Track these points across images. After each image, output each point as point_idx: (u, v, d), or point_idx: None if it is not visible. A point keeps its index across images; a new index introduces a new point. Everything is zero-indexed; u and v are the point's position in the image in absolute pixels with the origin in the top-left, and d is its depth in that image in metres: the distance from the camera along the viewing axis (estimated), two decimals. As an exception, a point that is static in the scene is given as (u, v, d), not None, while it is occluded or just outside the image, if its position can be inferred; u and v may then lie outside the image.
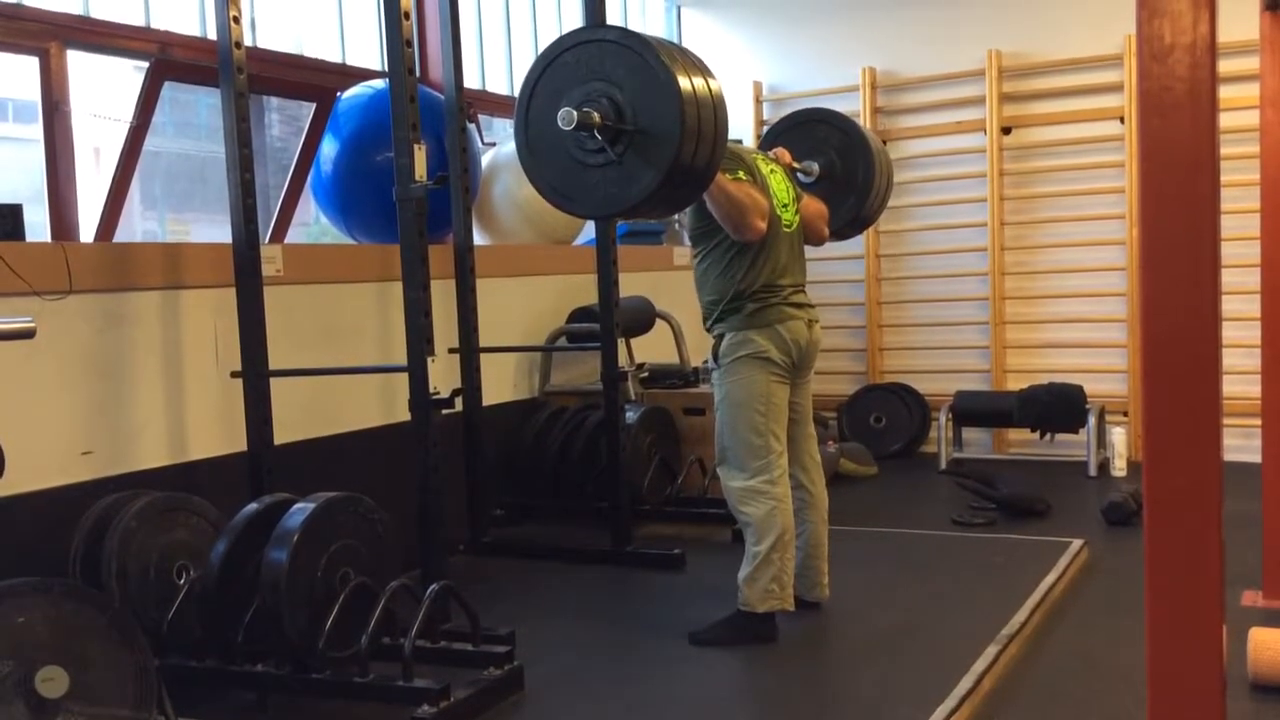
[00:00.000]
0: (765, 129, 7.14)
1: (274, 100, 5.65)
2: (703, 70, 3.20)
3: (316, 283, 4.43)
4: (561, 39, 3.29)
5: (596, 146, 3.14)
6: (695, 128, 3.09)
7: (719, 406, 3.78)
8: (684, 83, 3.08)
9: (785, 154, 4.08)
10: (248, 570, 3.15)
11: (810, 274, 4.01)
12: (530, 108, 3.26)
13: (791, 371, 3.77)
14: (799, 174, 4.19)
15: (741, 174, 3.64)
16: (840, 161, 4.35)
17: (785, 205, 3.84)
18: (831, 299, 6.95)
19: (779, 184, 3.86)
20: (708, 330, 3.84)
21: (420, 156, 3.49)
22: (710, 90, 3.18)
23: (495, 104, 6.32)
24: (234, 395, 3.88)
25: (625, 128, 3.09)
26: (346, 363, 4.43)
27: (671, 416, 5.51)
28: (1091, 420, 6.16)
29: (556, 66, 3.21)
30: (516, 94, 6.38)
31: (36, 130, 4.12)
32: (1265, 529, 3.86)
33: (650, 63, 3.07)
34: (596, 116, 3.08)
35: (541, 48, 6.72)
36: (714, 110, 3.17)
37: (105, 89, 4.61)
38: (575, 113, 3.07)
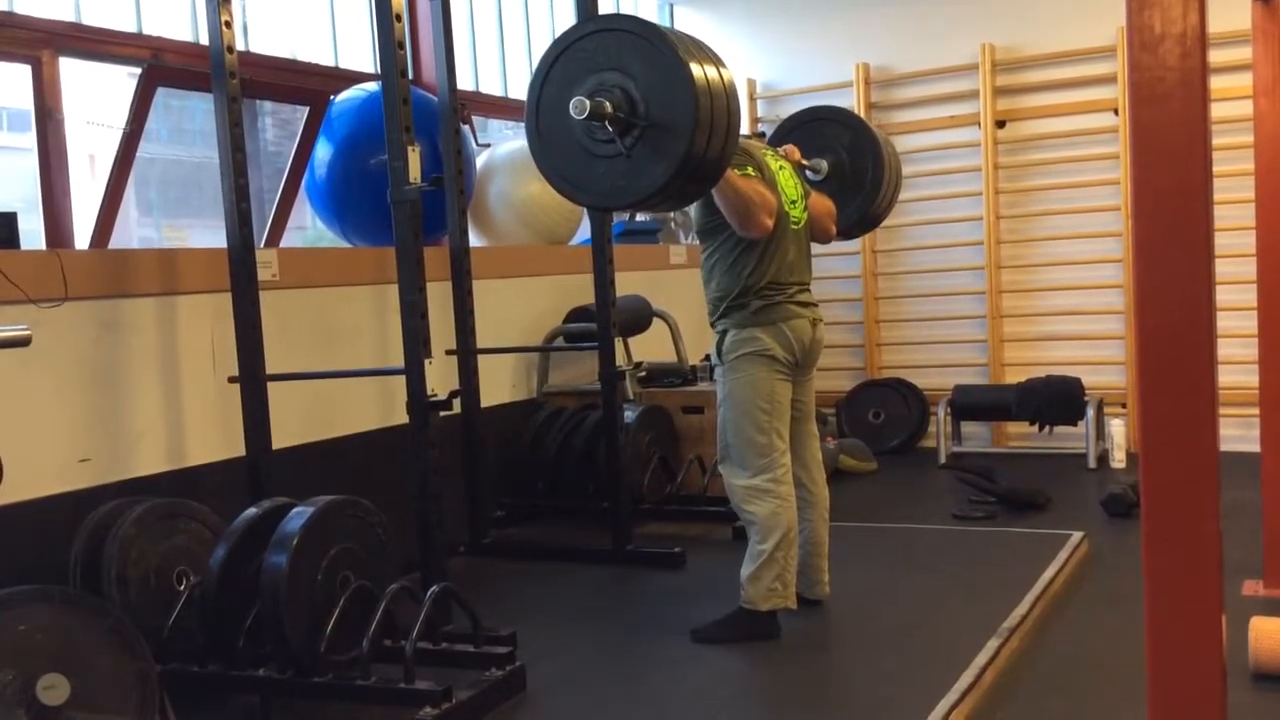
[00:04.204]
0: (760, 126, 7.18)
1: (267, 104, 5.65)
2: (716, 62, 3.17)
3: (312, 286, 4.43)
4: (578, 25, 3.27)
5: (607, 137, 3.10)
6: (708, 123, 3.06)
7: (722, 404, 3.77)
8: (699, 78, 3.04)
9: (795, 151, 4.07)
10: (248, 575, 3.14)
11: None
12: (543, 94, 3.21)
13: (794, 369, 3.77)
14: (808, 171, 4.18)
15: (750, 170, 3.63)
16: (849, 160, 4.34)
17: (793, 203, 3.83)
18: (828, 295, 6.92)
19: (787, 181, 3.85)
20: (712, 326, 3.84)
21: (414, 159, 3.48)
22: (724, 84, 3.14)
23: (489, 105, 6.31)
24: (231, 400, 3.88)
25: (637, 121, 3.06)
26: (344, 366, 4.43)
27: (670, 415, 5.51)
28: (1090, 412, 6.16)
29: (572, 53, 3.17)
30: (510, 94, 6.42)
31: (30, 138, 4.12)
32: (1265, 519, 3.86)
33: (667, 56, 3.03)
34: (609, 106, 3.05)
35: (535, 48, 6.75)
36: (726, 104, 3.13)
37: (98, 96, 4.61)
38: (588, 101, 3.03)
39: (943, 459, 6.48)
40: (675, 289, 6.16)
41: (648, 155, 3.09)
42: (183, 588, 3.36)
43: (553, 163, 3.26)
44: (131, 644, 2.84)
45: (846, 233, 4.40)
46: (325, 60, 5.32)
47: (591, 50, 3.14)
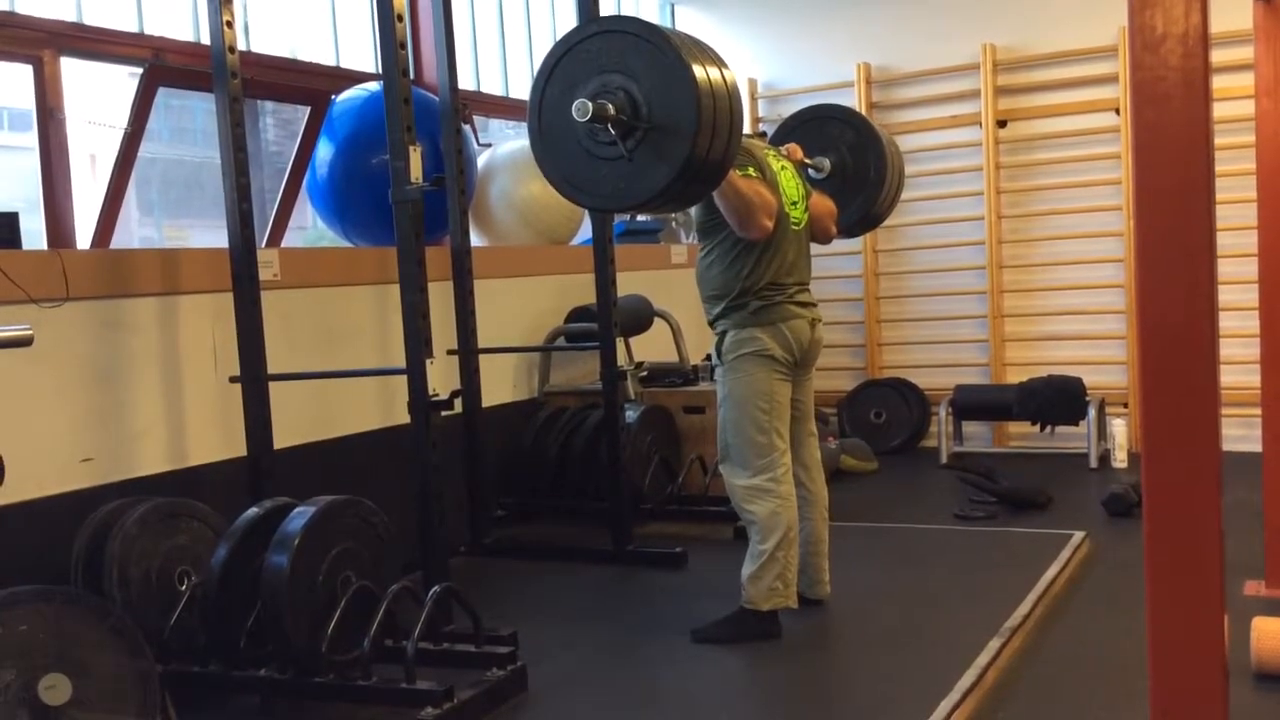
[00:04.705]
0: (761, 126, 7.18)
1: (269, 104, 5.65)
2: (719, 64, 3.15)
3: (314, 286, 4.43)
4: (581, 27, 3.26)
5: (609, 139, 3.09)
6: (710, 126, 3.04)
7: (722, 404, 3.77)
8: (702, 81, 3.02)
9: (797, 150, 4.06)
10: (249, 575, 3.14)
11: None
12: (545, 95, 3.20)
13: (793, 369, 3.77)
14: (810, 170, 4.17)
15: (752, 170, 3.62)
16: (851, 159, 4.33)
17: (794, 203, 3.83)
18: (829, 295, 6.93)
19: (789, 181, 3.85)
20: (711, 326, 3.83)
21: (416, 158, 3.48)
22: (727, 86, 3.12)
23: (490, 105, 6.32)
24: (233, 400, 3.88)
25: (639, 124, 3.05)
26: (345, 366, 4.43)
27: (671, 415, 5.51)
28: (1091, 412, 6.16)
29: (575, 54, 3.15)
30: (512, 94, 6.41)
31: (32, 138, 4.12)
32: (1266, 519, 3.86)
33: (670, 59, 3.02)
34: (611, 109, 3.03)
35: (536, 48, 6.74)
36: (729, 107, 3.12)
37: (100, 96, 4.62)
38: (590, 104, 3.01)
39: (944, 459, 6.48)
40: (676, 289, 6.15)
41: (649, 158, 3.08)
42: (184, 588, 3.36)
43: (554, 164, 3.25)
44: (133, 644, 2.84)
45: (848, 231, 4.39)
46: (326, 60, 5.32)
47: (595, 51, 3.12)
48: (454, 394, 3.74)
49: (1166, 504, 1.72)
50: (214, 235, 4.43)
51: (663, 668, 3.51)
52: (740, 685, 3.51)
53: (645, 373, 5.40)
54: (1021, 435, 6.79)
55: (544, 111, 3.21)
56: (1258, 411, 3.97)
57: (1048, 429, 6.32)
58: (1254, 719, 2.95)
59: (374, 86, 5.04)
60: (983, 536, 4.92)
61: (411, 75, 3.62)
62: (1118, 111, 6.44)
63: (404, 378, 3.60)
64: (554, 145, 3.22)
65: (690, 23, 7.47)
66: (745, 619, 3.69)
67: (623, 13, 7.12)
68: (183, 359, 3.93)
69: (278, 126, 6.05)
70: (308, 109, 5.20)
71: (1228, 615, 1.76)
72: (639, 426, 5.16)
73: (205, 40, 4.01)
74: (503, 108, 6.40)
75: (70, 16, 4.18)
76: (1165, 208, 1.66)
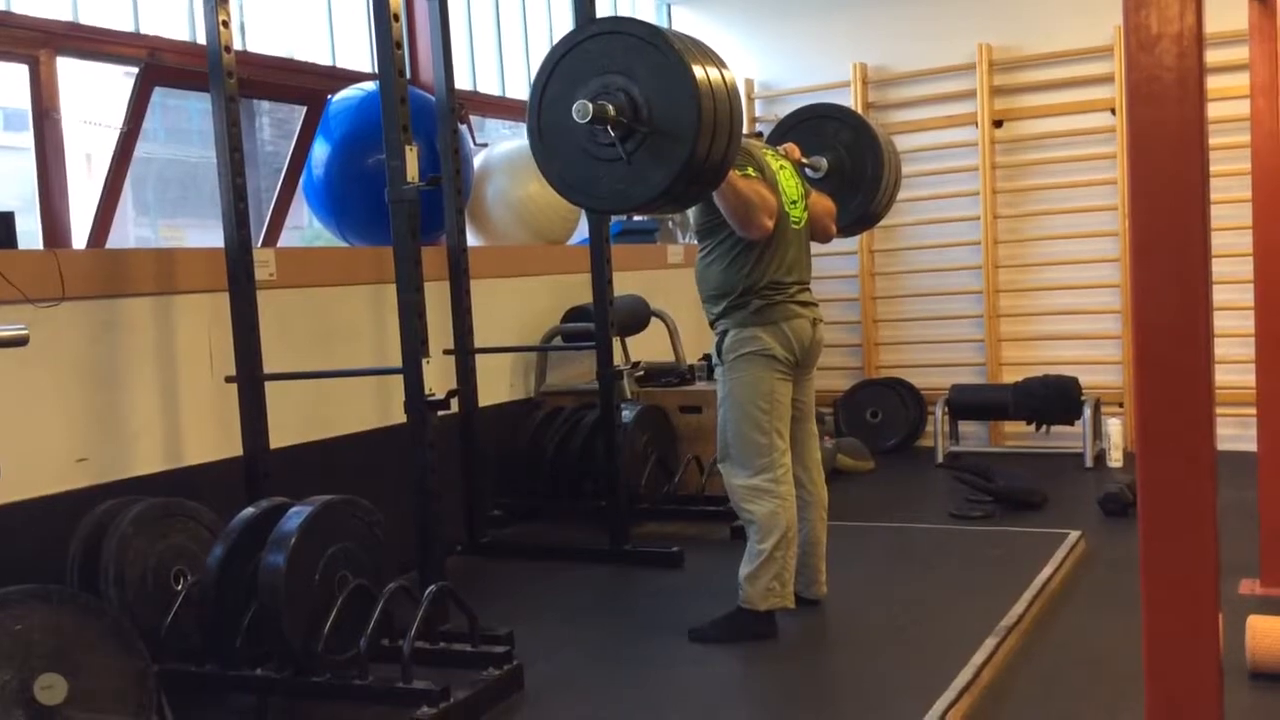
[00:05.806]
0: (757, 126, 7.18)
1: (265, 104, 5.65)
2: (719, 65, 3.14)
3: (310, 286, 4.43)
4: (582, 27, 3.25)
5: (609, 141, 3.08)
6: (710, 128, 3.03)
7: (721, 403, 3.77)
8: (703, 83, 3.01)
9: (795, 149, 4.06)
10: (245, 574, 3.14)
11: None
12: (545, 95, 3.18)
13: (794, 369, 3.77)
14: (807, 170, 4.18)
15: (751, 170, 3.62)
16: (849, 158, 4.34)
17: (794, 202, 3.83)
18: (826, 295, 6.90)
19: (788, 180, 3.85)
20: (711, 326, 3.83)
21: (412, 158, 3.48)
22: (727, 88, 3.11)
23: (487, 105, 6.31)
24: (229, 400, 3.87)
25: (640, 126, 3.04)
26: (341, 366, 4.43)
27: (667, 415, 5.51)
28: (1087, 412, 6.17)
29: (576, 54, 3.14)
30: (508, 94, 6.41)
31: (27, 138, 4.11)
32: (1261, 518, 3.87)
33: (671, 61, 3.01)
34: (612, 110, 3.02)
35: (532, 47, 6.73)
36: (730, 108, 3.10)
37: (96, 95, 4.61)
38: (591, 105, 3.00)
39: (940, 458, 6.48)
40: (673, 288, 6.16)
41: (649, 160, 3.07)
42: (180, 587, 3.35)
43: (553, 165, 3.24)
44: (129, 643, 2.84)
45: (845, 230, 4.40)
46: (323, 60, 5.31)
47: (596, 52, 3.11)
48: (450, 394, 3.74)
49: (1162, 503, 1.73)
50: (210, 235, 4.42)
51: (659, 667, 3.51)
52: (737, 685, 3.51)
53: (642, 372, 5.40)
54: (1017, 435, 6.80)
55: (544, 111, 3.20)
56: (1253, 411, 3.98)
57: (1043, 428, 6.33)
58: (1249, 717, 2.96)
59: (370, 86, 5.03)
60: (978, 536, 4.92)
61: (408, 75, 3.62)
62: (1113, 111, 6.45)
63: (400, 377, 3.60)
64: (553, 145, 3.21)
65: (686, 23, 7.46)
66: (742, 619, 3.70)
67: (619, 12, 7.12)
68: (179, 359, 3.93)
69: (274, 126, 6.04)
70: (304, 108, 5.19)
71: (1223, 614, 1.76)
72: (635, 426, 5.16)
73: (201, 40, 4.01)
74: (499, 107, 6.40)
75: (66, 16, 4.17)
76: (1160, 207, 1.67)
